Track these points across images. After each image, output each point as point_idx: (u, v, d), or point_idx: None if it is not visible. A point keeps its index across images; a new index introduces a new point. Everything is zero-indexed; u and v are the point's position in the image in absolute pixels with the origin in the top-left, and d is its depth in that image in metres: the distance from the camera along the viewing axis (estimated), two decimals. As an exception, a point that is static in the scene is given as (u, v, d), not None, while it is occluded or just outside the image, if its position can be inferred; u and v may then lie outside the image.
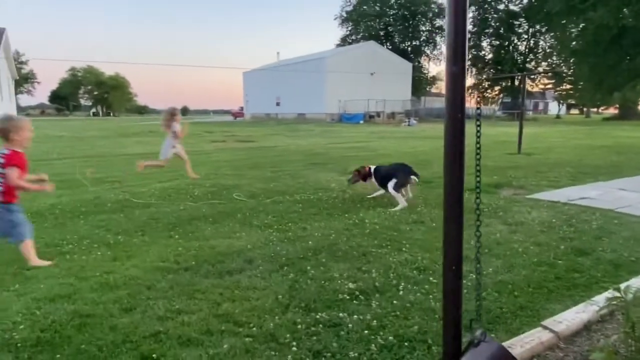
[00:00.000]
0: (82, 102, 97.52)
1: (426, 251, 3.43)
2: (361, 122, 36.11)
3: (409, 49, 59.45)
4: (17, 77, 35.97)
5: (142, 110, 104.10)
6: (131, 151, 12.57)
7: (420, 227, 4.17)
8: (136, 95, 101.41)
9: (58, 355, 2.01)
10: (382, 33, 58.84)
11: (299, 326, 2.28)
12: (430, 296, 2.63)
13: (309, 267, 3.10)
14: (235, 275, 2.98)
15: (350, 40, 59.55)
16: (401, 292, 2.68)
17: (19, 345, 2.11)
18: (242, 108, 59.40)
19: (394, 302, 2.55)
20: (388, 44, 57.09)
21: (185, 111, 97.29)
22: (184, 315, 2.40)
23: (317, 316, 2.37)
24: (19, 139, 3.13)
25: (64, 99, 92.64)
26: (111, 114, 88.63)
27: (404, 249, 3.50)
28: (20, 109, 33.90)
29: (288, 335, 2.18)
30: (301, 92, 43.31)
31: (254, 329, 2.25)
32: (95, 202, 5.34)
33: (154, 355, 2.00)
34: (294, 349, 2.06)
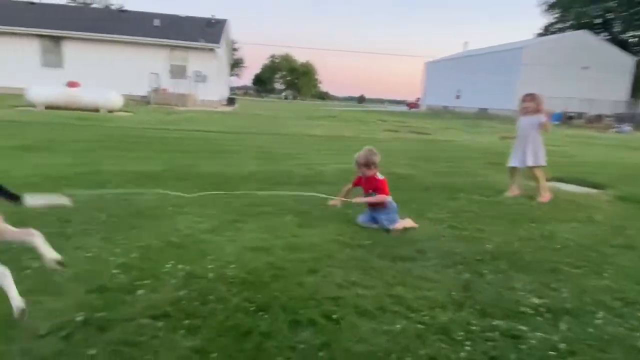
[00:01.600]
0: (277, 85, 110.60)
1: (636, 283, 2.87)
2: (556, 122, 31.66)
3: (634, 40, 49.03)
4: (232, 62, 42.98)
5: (324, 97, 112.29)
6: (314, 132, 13.79)
7: (628, 252, 3.51)
8: (320, 82, 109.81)
9: (259, 295, 2.40)
10: (597, 21, 49.93)
11: (474, 327, 2.21)
12: (638, 334, 2.22)
13: (485, 271, 2.94)
14: (408, 263, 3.04)
15: (555, 30, 52.34)
16: (598, 321, 2.33)
17: (230, 280, 2.59)
18: (418, 99, 58.67)
19: (589, 329, 2.23)
20: (605, 34, 48.20)
21: (361, 99, 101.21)
22: (358, 288, 2.57)
23: (494, 322, 2.25)
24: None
25: (263, 82, 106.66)
26: (296, 98, 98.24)
27: (604, 274, 3.00)
28: (231, 90, 40.52)
29: (462, 334, 2.13)
30: (486, 85, 40.26)
31: (426, 317, 2.27)
32: (288, 175, 6.07)
33: (334, 316, 2.21)
34: (468, 348, 2.01)
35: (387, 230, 3.75)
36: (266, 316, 2.20)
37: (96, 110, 15.35)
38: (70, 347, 1.86)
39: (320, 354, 1.93)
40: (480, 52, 44.57)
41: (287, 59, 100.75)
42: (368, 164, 4.09)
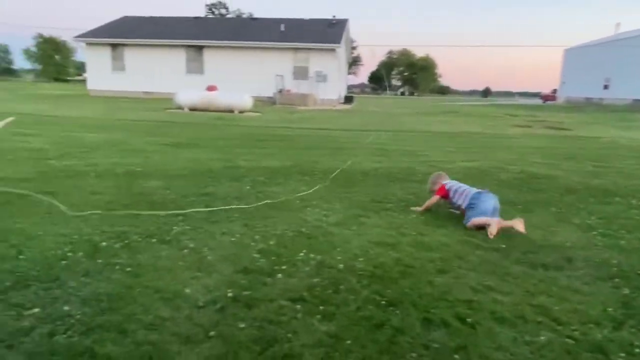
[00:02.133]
0: (394, 82, 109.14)
1: None
2: None
3: None
4: (350, 61, 43.70)
5: (445, 91, 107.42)
6: (434, 129, 13.30)
7: None
8: (440, 76, 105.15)
9: (388, 290, 2.41)
10: None
11: (637, 350, 1.91)
12: None
13: (651, 287, 2.52)
14: (552, 271, 2.75)
15: None
16: None
17: (359, 272, 2.65)
18: (554, 91, 52.50)
19: None
20: None
21: (486, 93, 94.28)
22: (494, 293, 2.42)
23: (667, 348, 1.92)
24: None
25: (379, 79, 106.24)
26: (414, 94, 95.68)
27: None
28: (348, 88, 41.29)
29: (622, 354, 1.87)
30: (644, 73, 34.28)
31: (576, 333, 2.04)
32: (408, 171, 5.97)
33: (468, 320, 2.12)
34: (633, 373, 1.75)
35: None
36: (397, 311, 2.20)
37: (230, 111, 17.00)
38: (224, 319, 2.10)
39: (456, 356, 1.87)
40: (636, 33, 38.01)
41: (405, 54, 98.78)
42: (432, 190, 4.25)
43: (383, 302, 2.28)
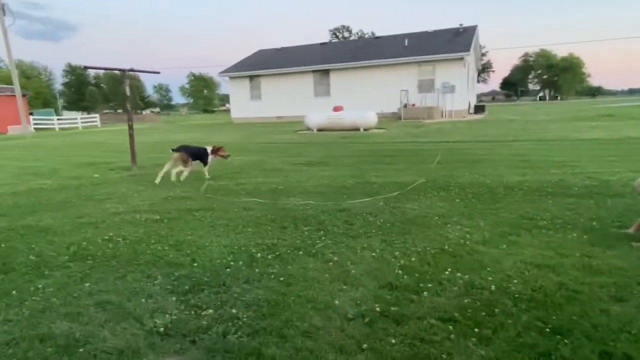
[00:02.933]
0: (530, 86, 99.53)
1: None
2: None
3: None
4: (480, 68, 41.26)
5: (595, 92, 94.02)
6: (586, 136, 11.69)
7: None
8: (589, 75, 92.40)
9: (553, 317, 2.17)
10: None
11: None
12: None
13: None
14: None
15: None
16: None
17: (515, 295, 2.44)
18: None
19: None
20: None
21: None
22: (697, 330, 1.99)
23: None
24: None
25: (513, 85, 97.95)
26: (557, 98, 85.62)
27: None
28: (477, 97, 38.88)
29: None
30: None
31: None
32: (560, 185, 5.34)
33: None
34: None
35: None
36: (566, 341, 1.96)
37: (356, 129, 17.45)
38: (374, 333, 2.13)
39: (652, 401, 1.58)
40: None
41: (544, 54, 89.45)
42: None
43: (547, 330, 2.06)
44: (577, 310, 2.23)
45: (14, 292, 2.77)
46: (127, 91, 8.94)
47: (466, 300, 2.39)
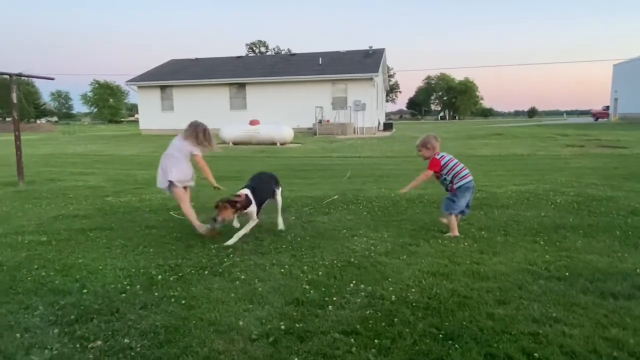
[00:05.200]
0: (432, 107, 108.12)
1: None
2: None
3: None
4: (388, 89, 43.91)
5: (487, 113, 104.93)
6: (479, 152, 12.95)
7: None
8: (482, 98, 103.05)
9: (446, 323, 2.31)
10: None
11: None
12: None
13: None
14: (622, 301, 2.54)
15: None
16: None
17: (413, 304, 2.56)
18: (606, 107, 49.89)
19: None
20: None
21: (533, 113, 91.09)
22: (563, 326, 2.25)
23: None
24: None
25: (418, 104, 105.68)
26: (456, 118, 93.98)
27: None
28: (386, 115, 41.24)
29: None
30: None
31: (661, 370, 1.85)
32: (456, 197, 5.80)
33: (535, 354, 1.98)
34: None
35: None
36: (456, 346, 2.09)
37: (273, 143, 17.44)
38: (277, 353, 2.08)
39: (526, 395, 1.74)
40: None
41: (443, 78, 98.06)
42: (424, 144, 4.14)
43: (440, 336, 2.18)
44: (467, 315, 2.40)
45: None
46: (14, 98, 7.98)
47: (368, 312, 2.45)
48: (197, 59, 32.75)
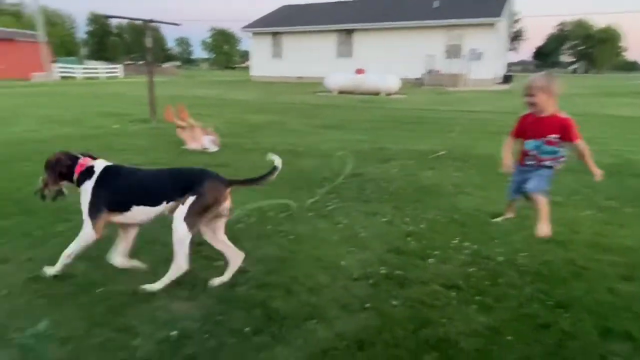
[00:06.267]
0: (564, 58, 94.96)
1: None
2: None
3: None
4: (512, 35, 39.43)
5: (631, 67, 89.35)
6: (615, 113, 11.26)
7: None
8: (626, 49, 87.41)
9: (557, 291, 2.18)
10: None
11: None
12: None
13: None
14: None
15: None
16: None
17: (521, 268, 2.45)
18: None
19: None
20: None
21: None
22: (702, 313, 1.99)
23: None
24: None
25: (546, 55, 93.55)
26: (591, 71, 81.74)
27: None
28: (507, 66, 37.30)
29: None
30: None
31: None
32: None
33: (661, 340, 1.79)
34: None
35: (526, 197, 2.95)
36: (567, 315, 1.98)
37: (377, 93, 17.13)
38: (376, 294, 2.18)
39: (646, 377, 1.61)
40: None
41: (580, 25, 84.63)
42: (546, 86, 2.73)
43: (550, 303, 2.08)
44: (583, 286, 2.23)
45: (36, 233, 2.91)
46: (149, 43, 8.89)
47: (471, 269, 2.42)
48: (308, 4, 32.71)
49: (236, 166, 4.92)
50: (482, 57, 22.15)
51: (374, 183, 4.23)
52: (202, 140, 5.93)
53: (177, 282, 2.29)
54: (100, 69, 35.93)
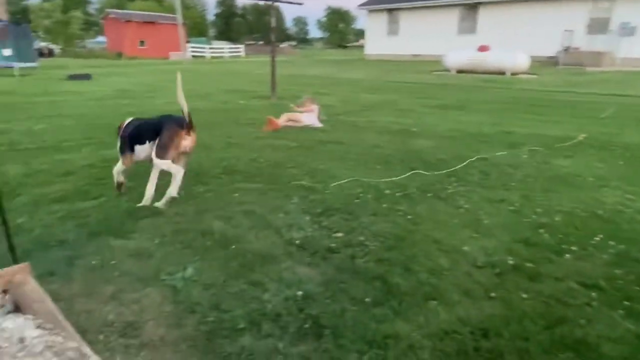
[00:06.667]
0: None
1: None
2: None
3: None
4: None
5: None
6: None
7: None
8: None
9: None
10: None
11: None
12: None
13: None
14: None
15: None
16: None
17: None
18: None
19: None
20: None
21: None
22: None
23: None
24: None
25: None
26: None
27: None
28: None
29: None
30: None
31: None
32: None
33: None
34: None
35: None
36: None
37: (501, 73, 15.75)
38: (503, 284, 2.06)
39: None
40: None
41: None
42: None
43: None
44: None
45: (180, 192, 3.31)
46: (273, 22, 9.34)
47: (617, 271, 2.14)
48: (428, -22, 31.12)
49: (350, 144, 4.99)
50: (635, 32, 18.85)
51: (499, 169, 3.95)
52: (310, 119, 6.13)
53: (301, 248, 2.43)
54: (225, 48, 38.93)
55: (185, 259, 2.31)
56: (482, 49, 17.15)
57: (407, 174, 3.73)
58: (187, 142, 3.06)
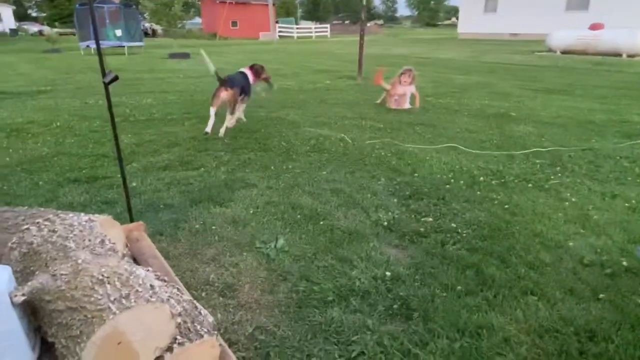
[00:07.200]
0: None
1: None
2: None
3: None
4: None
5: None
6: None
7: None
8: None
9: None
10: None
11: None
12: None
13: None
14: None
15: None
16: None
17: None
18: None
19: None
20: None
21: None
22: None
23: None
24: None
25: None
26: None
27: None
28: None
29: None
30: None
31: None
32: None
33: None
34: None
35: None
36: None
37: (617, 54, 13.96)
38: (614, 286, 1.86)
39: None
40: None
41: None
42: None
43: None
44: None
45: (272, 167, 3.45)
46: (364, 0, 9.18)
47: None
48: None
49: (443, 127, 4.79)
50: None
51: (614, 161, 3.54)
52: (400, 101, 5.94)
53: (389, 229, 2.42)
54: (312, 28, 39.19)
55: (277, 230, 2.41)
56: (595, 27, 15.30)
57: (504, 153, 3.50)
58: (224, 95, 4.24)
